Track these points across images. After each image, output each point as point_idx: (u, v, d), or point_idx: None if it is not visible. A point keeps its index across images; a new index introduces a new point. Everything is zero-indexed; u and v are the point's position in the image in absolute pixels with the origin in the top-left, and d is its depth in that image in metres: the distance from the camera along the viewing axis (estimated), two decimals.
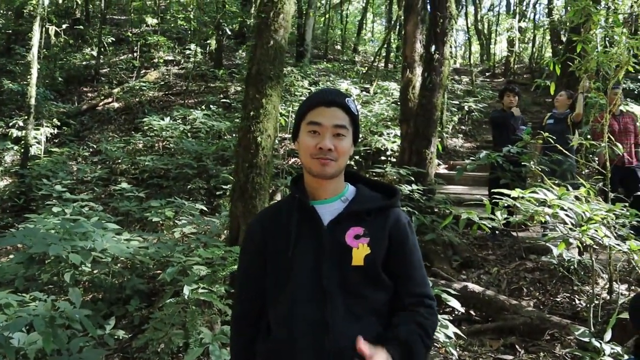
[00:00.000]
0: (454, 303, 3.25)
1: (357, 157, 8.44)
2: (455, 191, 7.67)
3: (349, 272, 1.52)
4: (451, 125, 11.06)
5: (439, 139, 8.61)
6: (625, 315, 2.81)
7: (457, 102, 11.87)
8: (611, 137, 4.73)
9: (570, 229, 3.10)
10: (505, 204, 2.97)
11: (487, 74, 19.12)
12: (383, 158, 8.16)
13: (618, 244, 3.00)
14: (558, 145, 4.72)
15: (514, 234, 6.04)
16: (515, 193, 2.89)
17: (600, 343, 2.58)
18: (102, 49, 16.02)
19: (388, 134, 8.62)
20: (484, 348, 3.94)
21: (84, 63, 16.03)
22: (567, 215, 2.76)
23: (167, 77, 15.30)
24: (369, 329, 1.52)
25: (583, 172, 6.67)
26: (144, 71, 15.74)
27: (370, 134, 8.79)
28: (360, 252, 1.53)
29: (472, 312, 4.42)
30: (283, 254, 1.56)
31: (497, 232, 6.18)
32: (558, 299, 4.53)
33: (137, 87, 13.83)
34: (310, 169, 1.57)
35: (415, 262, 1.62)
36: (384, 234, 1.57)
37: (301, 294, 1.53)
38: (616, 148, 4.57)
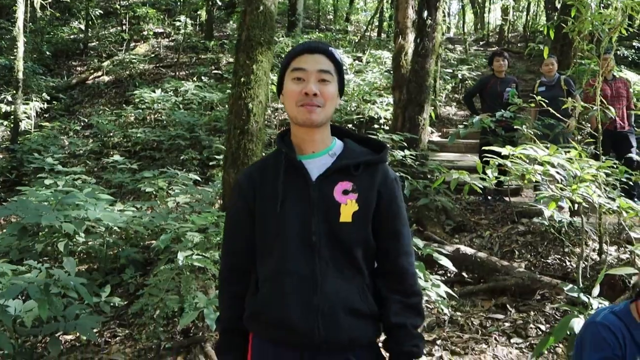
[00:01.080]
0: (445, 262, 3.28)
1: (350, 126, 8.42)
2: (448, 158, 7.68)
3: (337, 228, 1.51)
4: (444, 94, 11.01)
5: (432, 107, 8.59)
6: (614, 271, 2.85)
7: (450, 71, 11.80)
8: (603, 101, 4.72)
9: (561, 188, 3.12)
10: (497, 163, 2.98)
11: (481, 42, 18.98)
12: (376, 126, 8.13)
13: (608, 202, 3.02)
14: (551, 109, 4.72)
15: (507, 198, 6.09)
16: (506, 151, 2.89)
17: (588, 298, 2.62)
18: (90, 22, 15.73)
19: (381, 102, 8.58)
20: (476, 308, 4.00)
21: (71, 37, 15.76)
22: (557, 172, 2.77)
23: (157, 49, 15.08)
24: (355, 285, 1.54)
25: (576, 138, 6.69)
26: (133, 44, 15.51)
27: (363, 102, 8.75)
28: (348, 208, 1.52)
29: (464, 274, 4.47)
30: (271, 210, 1.55)
31: (489, 197, 6.23)
32: (549, 261, 4.59)
33: (127, 60, 13.64)
34: (297, 117, 1.54)
35: (402, 218, 1.62)
36: (372, 190, 1.56)
37: (290, 250, 1.52)
38: (608, 111, 4.57)
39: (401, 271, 1.60)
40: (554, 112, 4.74)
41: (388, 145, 1.71)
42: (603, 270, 2.77)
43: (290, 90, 1.54)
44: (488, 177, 2.97)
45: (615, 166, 3.13)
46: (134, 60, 13.64)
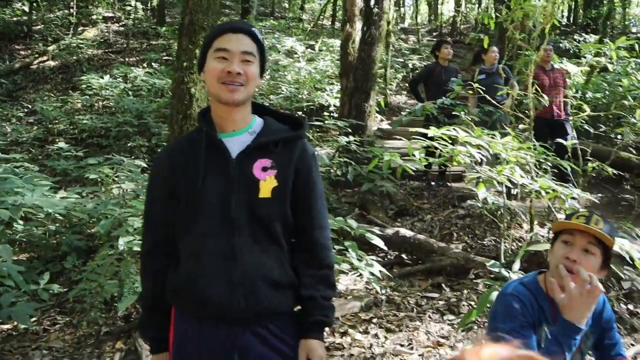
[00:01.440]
0: (377, 241, 3.39)
1: (300, 113, 8.46)
2: (395, 145, 7.80)
3: (256, 204, 1.55)
4: (395, 83, 11.19)
5: (383, 96, 8.73)
6: (533, 247, 3.03)
7: (401, 60, 11.99)
8: (538, 89, 4.94)
9: (489, 169, 3.27)
10: (424, 145, 3.10)
11: (434, 34, 19.29)
12: (326, 114, 8.20)
13: (531, 183, 3.19)
14: (487, 96, 4.91)
15: (449, 184, 6.29)
16: (431, 133, 3.01)
17: (509, 272, 2.78)
18: (35, 4, 15.11)
19: (331, 90, 8.65)
20: (413, 288, 4.15)
21: (14, 19, 15.09)
22: (479, 153, 2.91)
23: (106, 34, 14.64)
24: (275, 259, 1.59)
25: (518, 127, 6.95)
26: (81, 28, 14.98)
27: (314, 90, 8.80)
28: (267, 184, 1.56)
29: (404, 255, 4.62)
30: (192, 188, 1.57)
31: (432, 182, 6.42)
32: (485, 242, 4.80)
33: (75, 45, 13.17)
34: (219, 95, 1.55)
35: (318, 193, 1.68)
36: (290, 166, 1.60)
37: (211, 227, 1.55)
38: (542, 99, 4.79)
39: (315, 245, 1.66)
40: (490, 99, 4.93)
41: (306, 121, 1.76)
42: (523, 247, 2.94)
43: (213, 68, 1.55)
44: (416, 158, 3.09)
45: (534, 148, 3.30)
46: (81, 45, 13.20)
